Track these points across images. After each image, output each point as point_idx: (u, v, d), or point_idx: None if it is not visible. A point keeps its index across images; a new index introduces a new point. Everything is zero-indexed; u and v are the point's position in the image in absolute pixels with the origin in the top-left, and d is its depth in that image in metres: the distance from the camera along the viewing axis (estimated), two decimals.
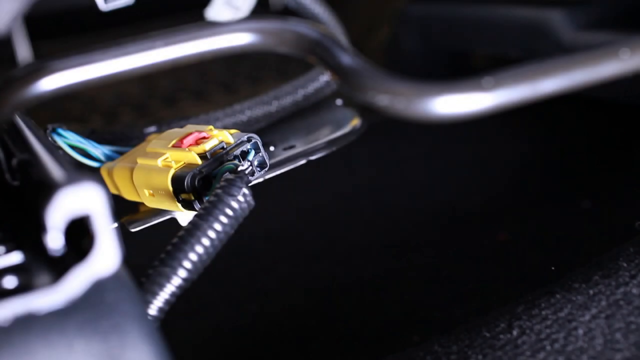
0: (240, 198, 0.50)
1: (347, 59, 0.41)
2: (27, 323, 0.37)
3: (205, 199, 0.53)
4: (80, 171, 0.39)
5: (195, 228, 0.49)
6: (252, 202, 0.51)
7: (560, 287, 0.56)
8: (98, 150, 0.63)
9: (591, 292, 0.55)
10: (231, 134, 0.57)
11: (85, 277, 0.37)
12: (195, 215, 0.50)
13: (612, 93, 0.90)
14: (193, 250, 0.48)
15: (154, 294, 0.46)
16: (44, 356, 0.37)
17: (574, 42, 0.90)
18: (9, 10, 0.42)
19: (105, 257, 0.37)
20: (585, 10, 0.91)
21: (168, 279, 0.47)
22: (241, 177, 0.51)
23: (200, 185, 0.54)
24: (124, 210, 0.63)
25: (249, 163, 0.55)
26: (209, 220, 0.49)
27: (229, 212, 0.49)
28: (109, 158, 0.64)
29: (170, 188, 0.55)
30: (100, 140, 0.66)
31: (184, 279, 0.47)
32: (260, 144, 0.57)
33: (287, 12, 0.82)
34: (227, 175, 0.52)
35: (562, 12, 0.91)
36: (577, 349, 0.51)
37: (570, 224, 0.87)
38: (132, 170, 0.59)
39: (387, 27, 1.18)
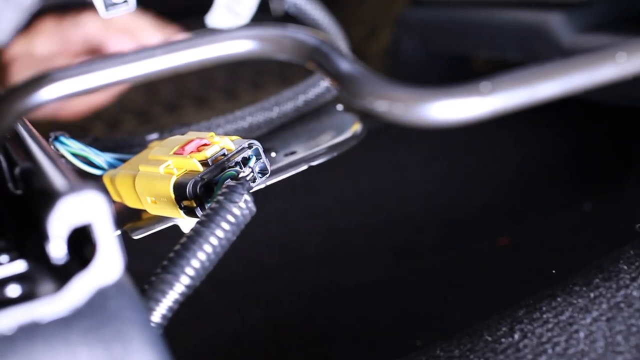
0: (242, 204, 0.50)
1: (345, 65, 0.41)
2: (30, 331, 0.37)
3: (207, 205, 0.53)
4: (82, 179, 0.39)
5: (197, 235, 0.49)
6: (254, 209, 0.51)
7: (561, 290, 0.56)
8: (100, 158, 0.64)
9: (592, 295, 0.55)
10: (232, 141, 0.57)
11: (88, 285, 0.38)
12: (197, 222, 0.50)
13: (612, 96, 0.90)
14: (195, 257, 0.48)
15: (157, 301, 0.47)
16: None
17: (573, 45, 0.90)
18: (10, 20, 0.42)
19: (108, 265, 0.38)
20: (585, 13, 0.92)
21: (171, 286, 0.47)
22: (242, 183, 0.51)
23: (202, 192, 0.54)
24: (126, 217, 0.64)
25: (250, 169, 0.56)
26: (211, 227, 0.49)
27: (231, 218, 0.50)
28: (112, 166, 0.64)
29: (173, 195, 0.56)
30: (102, 147, 0.66)
31: (187, 286, 0.48)
32: (261, 150, 0.57)
33: (288, 18, 0.82)
34: (229, 182, 0.52)
35: (562, 15, 0.92)
36: (579, 352, 0.51)
37: (571, 227, 0.87)
38: (134, 178, 0.59)
39: (388, 32, 1.18)
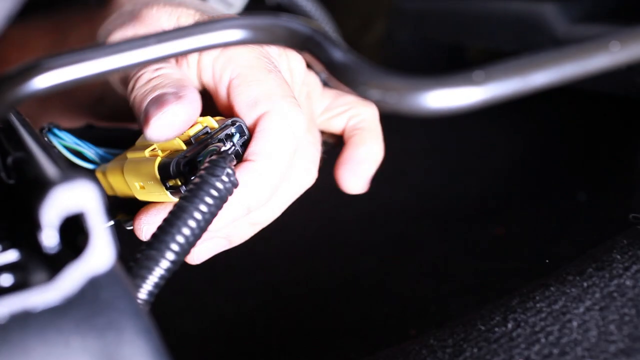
0: (224, 178, 0.50)
1: (338, 53, 0.41)
2: (23, 320, 0.37)
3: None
4: (74, 169, 0.39)
5: (180, 210, 0.49)
6: (237, 182, 0.51)
7: (554, 279, 0.56)
8: (93, 152, 0.63)
9: (585, 284, 0.55)
10: (216, 120, 0.57)
11: (81, 274, 0.37)
12: (181, 198, 0.50)
13: (607, 85, 0.90)
14: (180, 232, 0.48)
15: (143, 278, 0.47)
16: (40, 353, 0.37)
17: (568, 35, 0.90)
18: (1, 8, 0.42)
19: (100, 254, 0.38)
20: (578, 3, 0.92)
21: (156, 262, 0.47)
22: (224, 157, 0.51)
23: (186, 170, 0.54)
24: (120, 210, 0.64)
25: (232, 144, 0.55)
26: (194, 202, 0.49)
27: (213, 192, 0.49)
28: (104, 159, 0.64)
29: (158, 176, 0.56)
30: (96, 137, 0.66)
31: (172, 262, 0.48)
32: (245, 127, 0.57)
33: (280, 10, 0.82)
34: (211, 157, 0.52)
35: (556, 5, 0.92)
36: (572, 341, 0.51)
37: (565, 217, 0.87)
38: (122, 167, 0.59)
39: (383, 22, 1.18)
